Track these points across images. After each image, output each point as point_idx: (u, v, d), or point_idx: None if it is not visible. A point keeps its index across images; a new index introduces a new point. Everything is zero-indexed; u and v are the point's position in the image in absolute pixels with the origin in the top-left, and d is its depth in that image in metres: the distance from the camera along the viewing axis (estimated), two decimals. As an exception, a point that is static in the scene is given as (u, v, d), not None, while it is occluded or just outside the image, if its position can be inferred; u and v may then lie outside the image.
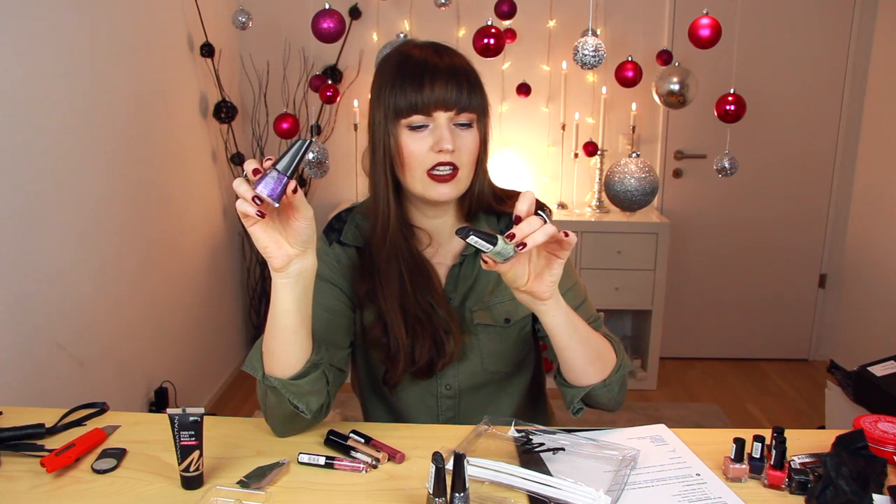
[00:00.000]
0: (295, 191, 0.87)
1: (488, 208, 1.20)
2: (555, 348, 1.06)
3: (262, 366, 1.03)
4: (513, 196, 1.21)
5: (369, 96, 1.15)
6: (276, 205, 0.87)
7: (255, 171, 0.87)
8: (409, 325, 1.14)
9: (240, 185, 0.87)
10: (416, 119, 1.07)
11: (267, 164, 0.87)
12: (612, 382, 1.09)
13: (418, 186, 1.10)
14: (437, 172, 1.08)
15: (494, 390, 1.24)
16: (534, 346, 1.30)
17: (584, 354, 1.06)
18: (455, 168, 1.08)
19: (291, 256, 0.93)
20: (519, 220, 0.91)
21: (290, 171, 0.86)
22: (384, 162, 1.11)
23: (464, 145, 1.09)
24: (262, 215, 0.87)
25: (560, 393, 1.14)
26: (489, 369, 1.21)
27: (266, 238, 0.91)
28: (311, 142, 0.93)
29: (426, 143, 1.08)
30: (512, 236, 0.89)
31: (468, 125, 1.09)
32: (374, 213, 1.15)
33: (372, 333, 1.17)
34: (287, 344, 0.99)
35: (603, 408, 1.15)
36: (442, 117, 1.07)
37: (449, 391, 1.22)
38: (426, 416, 1.24)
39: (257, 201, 0.86)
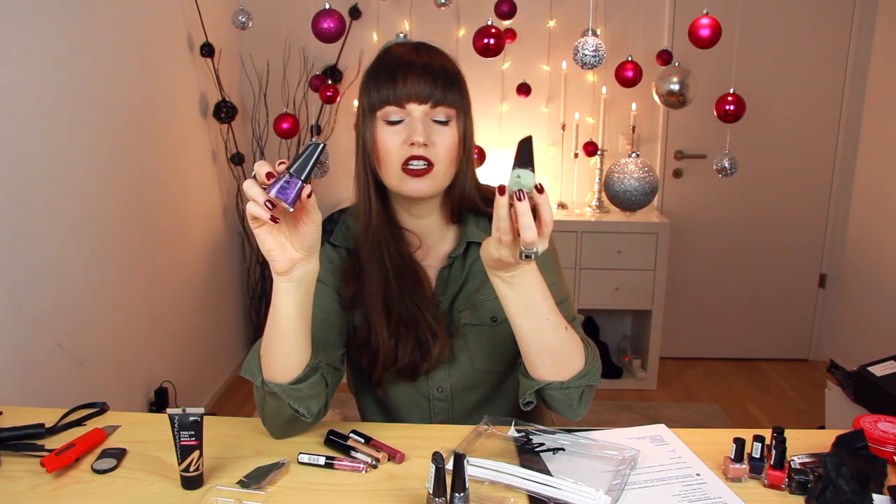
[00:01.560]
0: (310, 195, 0.87)
1: (476, 209, 1.18)
2: (512, 328, 1.03)
3: (260, 371, 1.02)
4: None
5: None
6: (292, 209, 0.86)
7: (269, 175, 0.86)
8: (393, 325, 1.13)
9: (251, 188, 0.86)
10: (390, 111, 1.07)
11: (280, 167, 0.86)
12: (571, 388, 1.05)
13: (393, 182, 1.10)
14: (411, 167, 1.07)
15: (488, 391, 1.23)
16: None
17: (539, 343, 1.02)
18: (430, 164, 1.07)
19: (295, 260, 0.92)
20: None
21: (304, 175, 0.85)
22: (364, 157, 1.12)
23: (439, 141, 1.08)
24: (275, 220, 0.86)
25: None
26: (480, 369, 1.20)
27: (271, 241, 0.90)
28: (324, 145, 0.94)
29: (400, 137, 1.07)
30: (540, 188, 0.86)
31: (445, 122, 1.09)
32: (358, 209, 1.16)
33: (359, 334, 1.16)
34: (287, 348, 0.99)
35: (560, 413, 1.11)
36: (416, 110, 1.07)
37: (441, 394, 1.21)
38: (418, 418, 1.23)
39: (269, 205, 0.85)
